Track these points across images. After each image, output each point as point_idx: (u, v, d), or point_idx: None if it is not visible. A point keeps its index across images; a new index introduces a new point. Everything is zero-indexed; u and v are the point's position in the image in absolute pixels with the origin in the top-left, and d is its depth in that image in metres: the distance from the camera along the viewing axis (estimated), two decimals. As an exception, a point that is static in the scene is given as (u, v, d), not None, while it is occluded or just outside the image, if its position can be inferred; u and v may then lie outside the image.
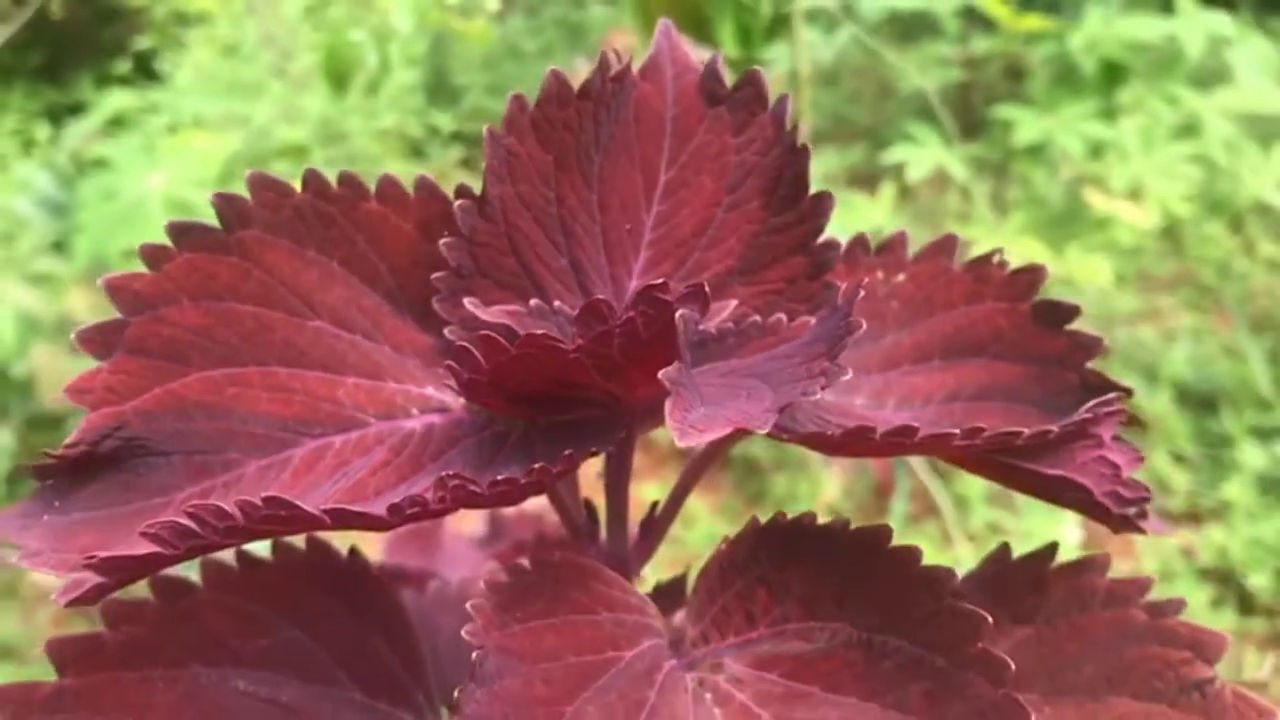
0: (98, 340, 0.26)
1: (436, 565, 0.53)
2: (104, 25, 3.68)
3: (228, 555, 0.31)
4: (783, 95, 0.29)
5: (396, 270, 0.28)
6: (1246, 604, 1.88)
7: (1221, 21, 1.77)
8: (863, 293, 0.31)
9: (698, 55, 0.74)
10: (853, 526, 0.26)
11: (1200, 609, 1.84)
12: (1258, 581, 1.88)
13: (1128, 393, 0.29)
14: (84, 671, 0.29)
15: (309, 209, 0.27)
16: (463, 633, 0.23)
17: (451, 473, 0.22)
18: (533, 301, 0.27)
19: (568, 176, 0.28)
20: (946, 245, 0.31)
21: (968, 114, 2.06)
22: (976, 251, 0.32)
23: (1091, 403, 0.26)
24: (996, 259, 0.31)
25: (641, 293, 0.22)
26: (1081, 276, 1.81)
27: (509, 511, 0.58)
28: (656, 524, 0.29)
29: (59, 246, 1.92)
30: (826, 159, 2.36)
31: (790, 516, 0.26)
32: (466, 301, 0.26)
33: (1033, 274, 0.31)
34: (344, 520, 0.22)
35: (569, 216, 0.28)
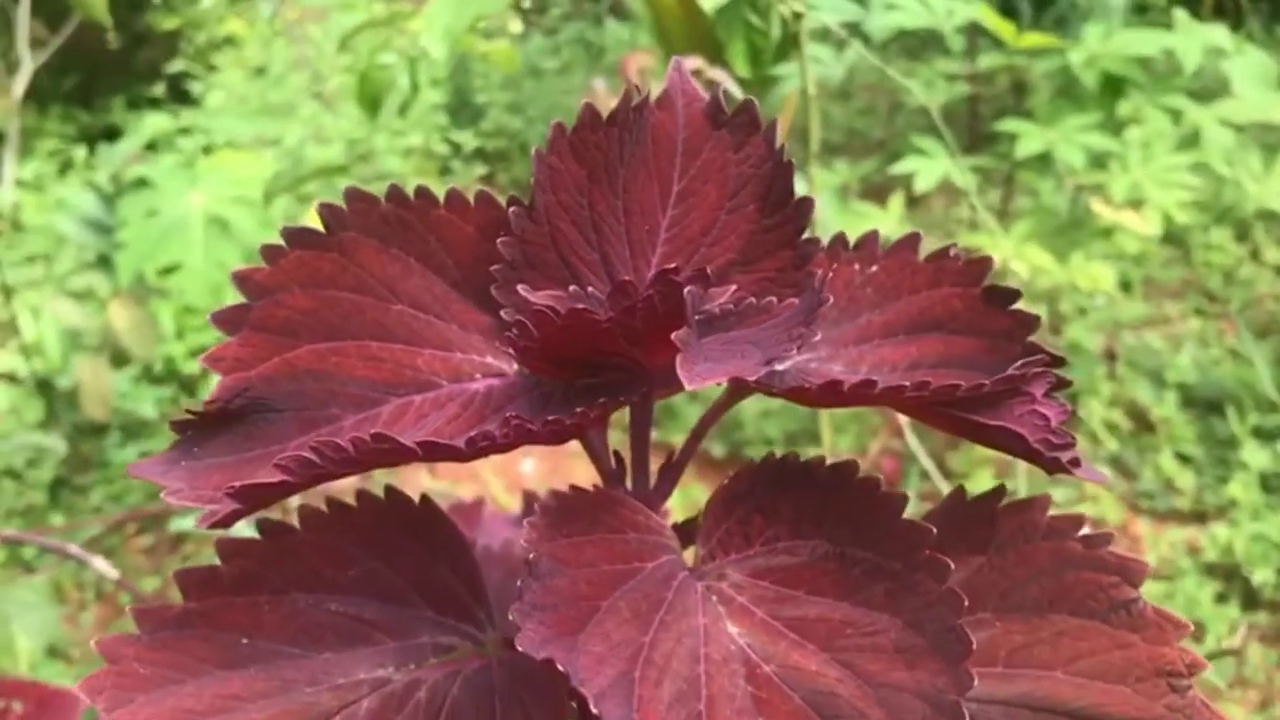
0: (229, 320, 0.33)
1: (478, 536, 0.60)
2: (137, 50, 3.78)
3: (320, 504, 0.38)
4: (772, 120, 0.36)
5: (461, 264, 0.35)
6: (1251, 599, 1.93)
7: (1219, 34, 1.83)
8: (839, 279, 0.38)
9: (711, 75, 0.81)
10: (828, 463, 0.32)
11: (1206, 603, 1.89)
12: (1262, 576, 1.93)
13: (1061, 362, 0.36)
14: (203, 597, 0.36)
15: (392, 215, 0.34)
16: (520, 541, 0.29)
17: (512, 413, 0.28)
18: (571, 288, 0.34)
19: (598, 187, 0.34)
20: (912, 241, 0.38)
21: (975, 127, 2.12)
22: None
23: (1020, 362, 0.33)
24: (953, 252, 0.37)
25: (658, 275, 0.29)
26: (1085, 283, 1.87)
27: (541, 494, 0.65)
28: (673, 469, 0.35)
29: (102, 261, 2.00)
30: (840, 171, 2.43)
31: (778, 456, 0.33)
32: (519, 288, 0.32)
33: (983, 263, 0.37)
34: (431, 451, 0.29)
35: (599, 219, 0.35)
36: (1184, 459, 2.27)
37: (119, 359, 2.21)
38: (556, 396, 0.33)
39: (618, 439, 0.35)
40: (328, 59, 2.62)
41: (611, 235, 0.35)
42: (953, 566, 0.30)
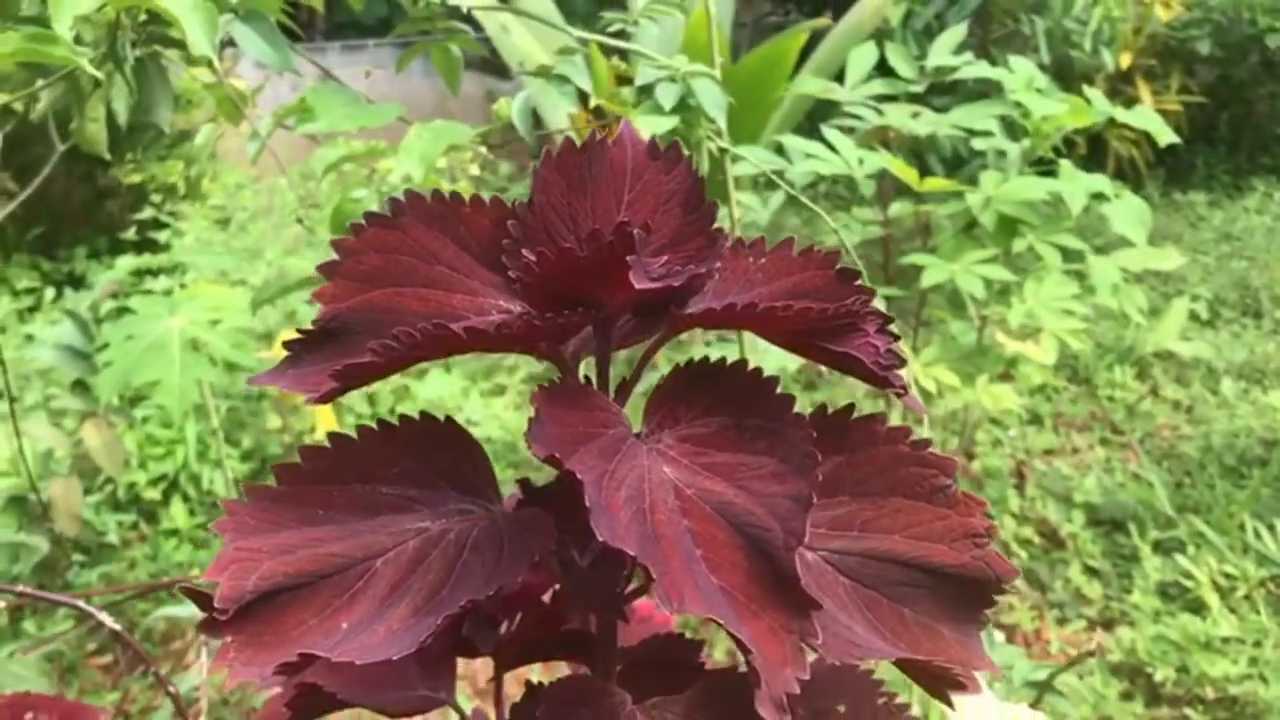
0: (328, 270, 0.49)
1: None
2: (101, 203, 3.95)
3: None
4: (690, 154, 0.53)
5: (480, 244, 0.51)
6: (1154, 695, 2.08)
7: (1100, 181, 2.06)
8: (739, 266, 0.54)
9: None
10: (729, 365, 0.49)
11: (1112, 700, 2.04)
12: (1163, 674, 2.08)
13: (889, 319, 0.52)
14: (291, 483, 0.51)
15: (434, 208, 0.51)
16: (531, 398, 0.45)
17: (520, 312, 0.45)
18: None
19: (575, 193, 0.51)
20: (789, 242, 0.55)
21: (888, 264, 2.34)
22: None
23: (852, 299, 0.49)
24: (815, 248, 0.54)
25: (617, 226, 0.45)
26: (989, 402, 2.06)
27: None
28: (627, 385, 0.52)
29: (77, 385, 2.12)
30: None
31: (695, 362, 0.49)
32: (523, 252, 0.49)
33: (836, 254, 0.54)
34: (472, 336, 0.45)
35: (575, 215, 0.51)
36: (1092, 571, 2.44)
37: (87, 480, 2.32)
38: (548, 319, 0.49)
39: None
40: (291, 207, 2.81)
41: (583, 226, 0.51)
42: (807, 418, 0.46)
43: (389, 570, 0.49)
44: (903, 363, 0.52)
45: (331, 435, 0.52)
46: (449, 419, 0.53)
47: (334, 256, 0.50)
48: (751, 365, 0.49)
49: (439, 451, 0.53)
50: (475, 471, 0.53)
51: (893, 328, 0.52)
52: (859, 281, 0.53)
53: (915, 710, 0.62)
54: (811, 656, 0.44)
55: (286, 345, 0.49)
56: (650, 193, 0.53)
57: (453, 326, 0.45)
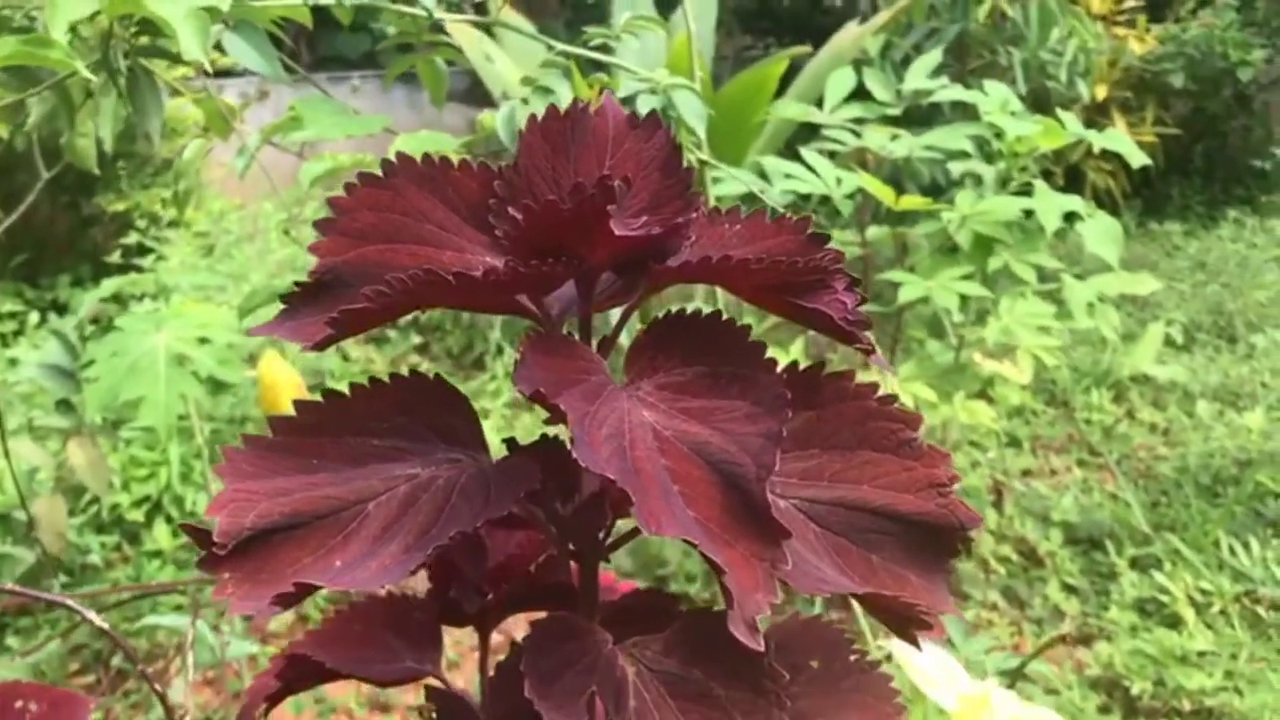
0: (324, 225, 0.52)
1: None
2: (85, 229, 3.97)
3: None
4: (668, 123, 0.56)
5: (468, 205, 0.54)
6: (1131, 708, 2.10)
7: (1073, 201, 2.10)
8: (715, 233, 0.57)
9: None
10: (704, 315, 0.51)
11: (1091, 713, 2.06)
12: (1140, 687, 2.10)
13: (857, 281, 0.55)
14: (286, 434, 0.53)
15: (424, 171, 0.53)
16: (515, 350, 0.48)
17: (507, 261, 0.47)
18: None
19: (558, 156, 0.54)
20: (762, 211, 0.58)
21: (866, 283, 2.39)
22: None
23: (821, 254, 0.52)
24: (786, 216, 0.57)
25: (599, 179, 0.48)
26: (966, 418, 2.09)
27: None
28: (608, 340, 0.54)
29: (62, 405, 2.14)
30: (747, 318, 2.67)
31: (673, 313, 0.52)
32: (509, 209, 0.51)
33: (807, 220, 0.57)
34: (460, 282, 0.47)
35: (558, 177, 0.54)
36: (1070, 589, 2.46)
37: (70, 501, 2.33)
38: (531, 271, 0.51)
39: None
40: (276, 231, 2.84)
41: (566, 187, 0.54)
42: (779, 364, 0.49)
43: (381, 512, 0.51)
44: (869, 325, 0.54)
45: (325, 391, 0.55)
46: (438, 376, 0.56)
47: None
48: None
49: (429, 407, 0.55)
50: (464, 425, 0.55)
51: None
52: (828, 243, 0.56)
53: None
54: (787, 615, 0.46)
55: (283, 299, 0.52)
56: (630, 158, 0.55)
57: (442, 273, 0.47)
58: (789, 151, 3.87)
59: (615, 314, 0.59)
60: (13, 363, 2.80)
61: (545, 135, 0.54)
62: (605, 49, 1.38)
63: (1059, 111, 2.31)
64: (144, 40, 1.26)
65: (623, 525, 0.58)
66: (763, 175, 2.22)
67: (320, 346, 0.50)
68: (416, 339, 3.49)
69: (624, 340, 0.57)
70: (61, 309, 3.69)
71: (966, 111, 2.82)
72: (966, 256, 2.13)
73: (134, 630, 2.23)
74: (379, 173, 0.53)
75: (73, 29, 1.14)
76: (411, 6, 1.34)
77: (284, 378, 1.87)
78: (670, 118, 1.31)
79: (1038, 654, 0.96)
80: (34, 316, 3.32)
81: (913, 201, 2.00)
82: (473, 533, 0.60)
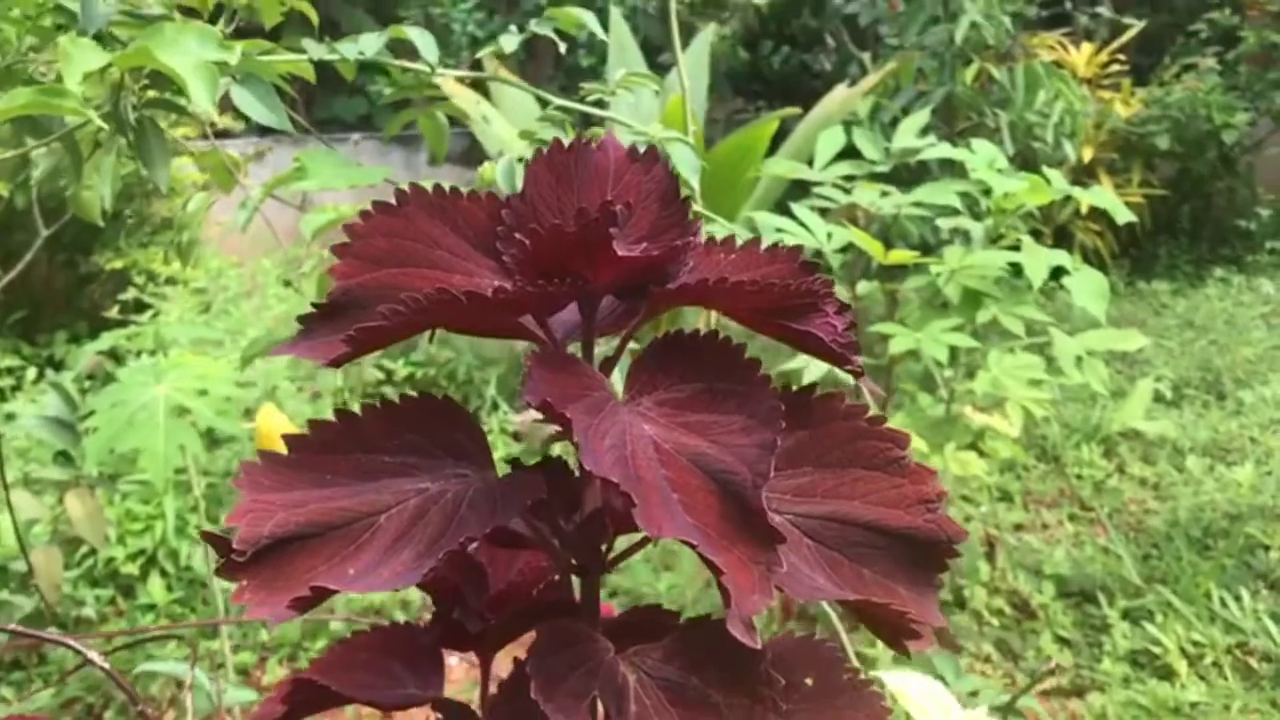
0: (340, 251, 0.54)
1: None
2: (83, 287, 4.00)
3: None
4: (665, 155, 0.59)
5: (476, 233, 0.57)
6: (1124, 759, 2.10)
7: (1060, 256, 2.14)
8: (712, 260, 0.60)
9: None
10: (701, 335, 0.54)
11: (1084, 764, 2.06)
12: (1134, 739, 2.11)
13: (846, 307, 0.58)
14: (300, 451, 0.56)
15: (434, 200, 0.56)
16: (523, 360, 0.50)
17: (515, 282, 0.50)
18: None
19: (563, 187, 0.57)
20: (756, 241, 0.61)
21: (857, 335, 2.42)
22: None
23: (813, 278, 0.55)
24: (780, 246, 0.60)
25: (601, 204, 0.51)
26: (957, 469, 2.11)
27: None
28: (610, 361, 0.57)
29: (61, 456, 2.15)
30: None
31: (672, 334, 0.54)
32: (516, 235, 0.54)
33: (798, 249, 0.59)
34: (473, 301, 0.50)
35: (563, 207, 0.57)
36: (1063, 641, 2.47)
37: (66, 555, 2.33)
38: (536, 293, 0.54)
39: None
40: (275, 287, 2.87)
41: (570, 215, 0.57)
42: (773, 381, 0.51)
43: (392, 524, 0.53)
44: (859, 349, 0.57)
45: (337, 411, 0.57)
46: (446, 396, 0.58)
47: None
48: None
49: (437, 425, 0.57)
50: (471, 442, 0.57)
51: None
52: (817, 272, 0.59)
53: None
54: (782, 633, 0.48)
55: (300, 320, 0.54)
56: (631, 189, 0.58)
57: (455, 292, 0.50)
58: (780, 209, 3.92)
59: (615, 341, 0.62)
60: (9, 417, 2.81)
61: (550, 167, 0.57)
62: (600, 104, 1.42)
63: (1045, 170, 2.35)
64: (152, 94, 1.29)
65: (622, 543, 0.60)
66: (754, 230, 2.26)
67: (337, 363, 0.52)
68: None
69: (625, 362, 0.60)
70: (58, 365, 3.71)
71: (955, 170, 2.88)
72: (956, 310, 2.16)
73: (131, 677, 2.23)
74: (393, 201, 0.56)
75: (82, 81, 1.17)
76: (413, 63, 1.37)
77: (282, 430, 1.89)
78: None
79: (1030, 687, 0.98)
80: (31, 372, 3.34)
81: (902, 255, 2.04)
82: (475, 559, 0.62)
